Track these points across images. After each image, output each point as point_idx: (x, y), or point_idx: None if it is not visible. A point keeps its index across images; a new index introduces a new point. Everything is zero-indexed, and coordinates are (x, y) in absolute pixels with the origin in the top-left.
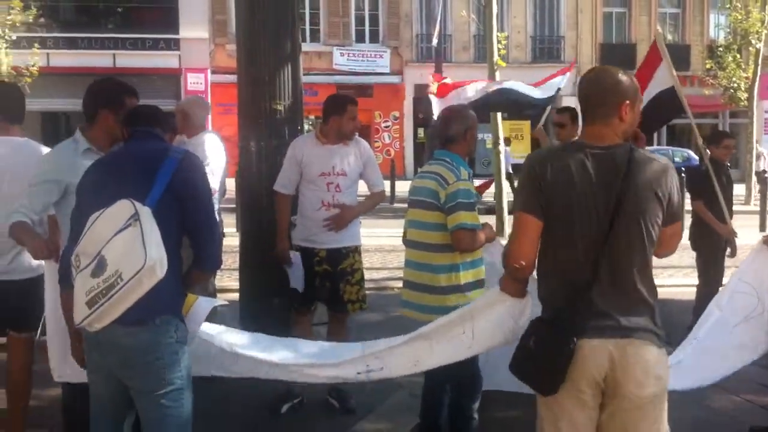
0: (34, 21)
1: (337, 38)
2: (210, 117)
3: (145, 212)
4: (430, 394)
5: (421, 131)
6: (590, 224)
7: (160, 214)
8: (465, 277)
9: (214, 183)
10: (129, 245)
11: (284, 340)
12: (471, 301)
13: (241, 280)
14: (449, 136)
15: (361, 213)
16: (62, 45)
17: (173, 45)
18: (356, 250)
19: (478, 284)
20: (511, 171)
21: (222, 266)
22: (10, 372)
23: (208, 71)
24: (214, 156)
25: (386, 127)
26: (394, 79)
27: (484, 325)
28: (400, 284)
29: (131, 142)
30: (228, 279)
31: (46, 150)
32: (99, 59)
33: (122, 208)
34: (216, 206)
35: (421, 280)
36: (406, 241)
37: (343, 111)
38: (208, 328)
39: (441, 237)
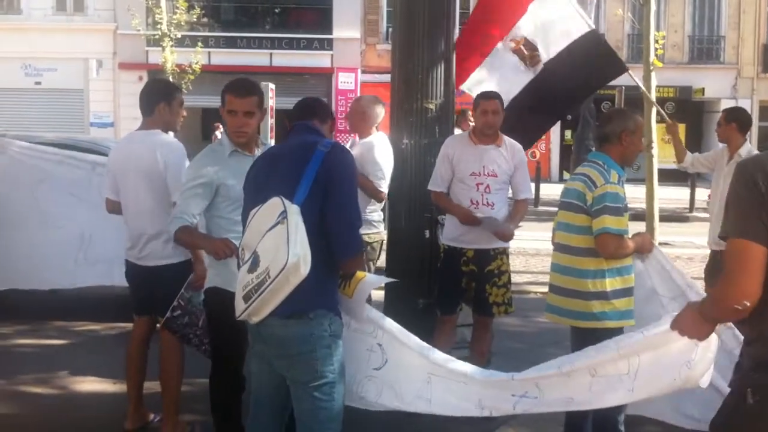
0: (198, 20)
1: None
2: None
3: (293, 210)
4: None
5: (568, 133)
6: None
7: (308, 209)
8: (611, 284)
9: (384, 185)
10: (277, 243)
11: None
12: (616, 310)
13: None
14: (602, 135)
15: (516, 227)
16: (223, 44)
17: (326, 45)
18: (504, 252)
19: (626, 293)
20: None
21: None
22: (161, 359)
23: (359, 71)
24: (385, 158)
25: None
26: None
27: (649, 367)
28: (541, 288)
29: (290, 136)
30: None
31: (162, 139)
32: (256, 58)
33: (273, 205)
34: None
35: (566, 285)
36: (554, 244)
37: (476, 106)
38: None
39: (587, 241)
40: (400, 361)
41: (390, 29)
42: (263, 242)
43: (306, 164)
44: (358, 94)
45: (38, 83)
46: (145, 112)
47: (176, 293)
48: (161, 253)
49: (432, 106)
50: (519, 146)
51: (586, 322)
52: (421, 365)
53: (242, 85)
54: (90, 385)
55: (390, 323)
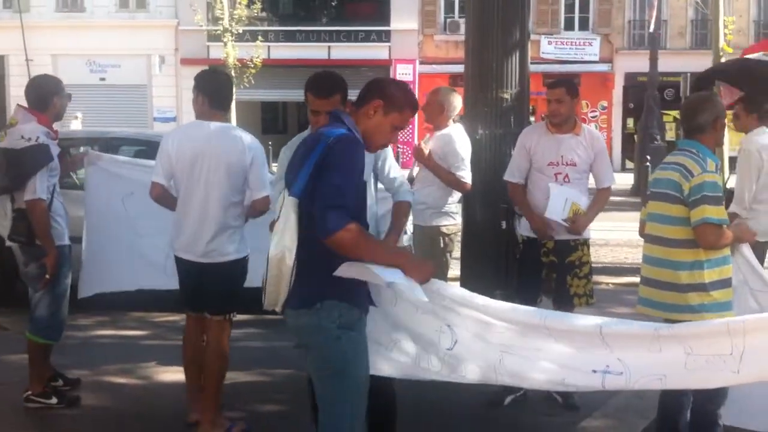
0: (257, 15)
1: (545, 26)
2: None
3: (288, 203)
4: (668, 395)
5: (630, 121)
6: None
7: (308, 202)
8: (709, 275)
9: (467, 176)
10: (273, 235)
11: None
12: (715, 302)
13: (462, 269)
14: (697, 125)
15: (594, 217)
16: (282, 38)
17: (384, 37)
18: (585, 243)
19: (724, 284)
20: None
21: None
22: (206, 353)
23: (417, 62)
24: (465, 149)
25: (593, 117)
26: (603, 67)
27: (757, 348)
28: (612, 279)
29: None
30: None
31: (247, 136)
32: (315, 51)
33: (282, 197)
34: (458, 197)
35: (660, 277)
36: (645, 236)
37: (550, 95)
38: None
39: (683, 232)
40: (470, 340)
41: (448, 20)
42: (272, 235)
43: (310, 155)
44: (417, 86)
45: (102, 79)
46: (218, 105)
47: (238, 289)
48: (227, 249)
49: (507, 96)
50: (598, 134)
51: (681, 314)
52: (491, 345)
53: (323, 85)
54: (171, 375)
55: (455, 290)
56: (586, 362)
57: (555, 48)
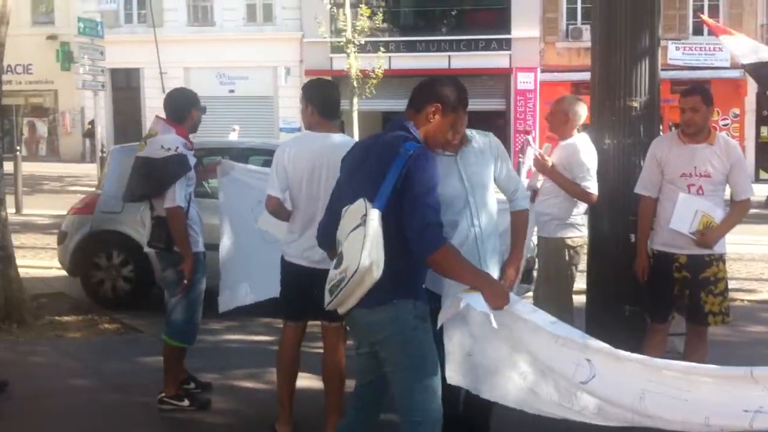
0: (379, 27)
1: (672, 32)
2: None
3: (372, 215)
4: None
5: (764, 130)
6: None
7: (391, 209)
8: None
9: (593, 187)
10: (355, 245)
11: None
12: None
13: (589, 283)
14: None
15: (727, 231)
16: (403, 48)
17: (504, 45)
18: (720, 258)
19: None
20: None
21: None
22: (324, 359)
23: (538, 70)
24: (591, 159)
25: (725, 125)
26: (735, 73)
27: None
28: (748, 296)
29: (381, 133)
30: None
31: None
32: (435, 61)
33: (358, 207)
34: (584, 208)
35: None
36: None
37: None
38: None
39: None
40: (610, 377)
41: (570, 26)
42: (347, 242)
43: (389, 166)
44: (537, 95)
45: (231, 91)
46: (328, 114)
47: None
48: None
49: (636, 104)
50: (734, 143)
51: None
52: (633, 380)
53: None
54: (299, 381)
55: (596, 342)
56: (737, 401)
57: (683, 54)
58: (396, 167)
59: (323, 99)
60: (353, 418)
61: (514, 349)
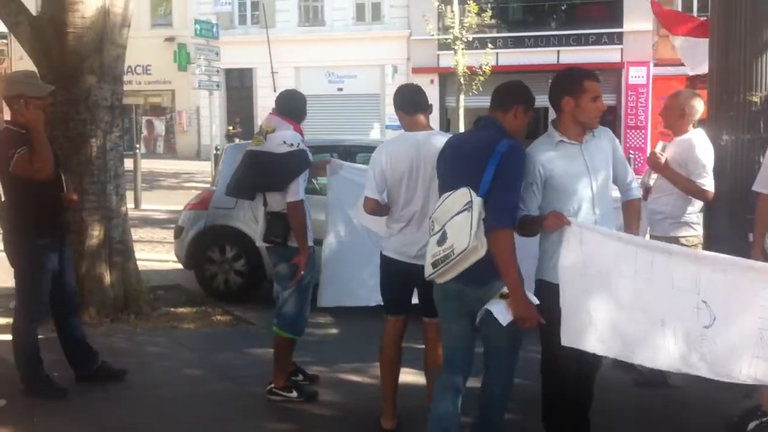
0: (487, 23)
1: None
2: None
3: (477, 202)
4: None
5: None
6: None
7: (486, 201)
8: None
9: (709, 184)
10: (462, 227)
11: None
12: None
13: None
14: None
15: None
16: (510, 44)
17: (616, 39)
18: None
19: None
20: None
21: None
22: (426, 354)
23: (651, 64)
24: (707, 156)
25: None
26: None
27: None
28: None
29: (474, 130)
30: None
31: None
32: (544, 56)
33: (463, 194)
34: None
35: None
36: None
37: None
38: None
39: None
40: (728, 317)
41: None
42: (451, 223)
43: (487, 162)
44: (650, 89)
45: (340, 89)
46: (412, 110)
47: None
48: None
49: (756, 99)
50: None
51: None
52: (751, 317)
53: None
54: (403, 376)
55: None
56: None
57: None
58: (494, 160)
59: (399, 98)
60: (449, 404)
61: (633, 305)
